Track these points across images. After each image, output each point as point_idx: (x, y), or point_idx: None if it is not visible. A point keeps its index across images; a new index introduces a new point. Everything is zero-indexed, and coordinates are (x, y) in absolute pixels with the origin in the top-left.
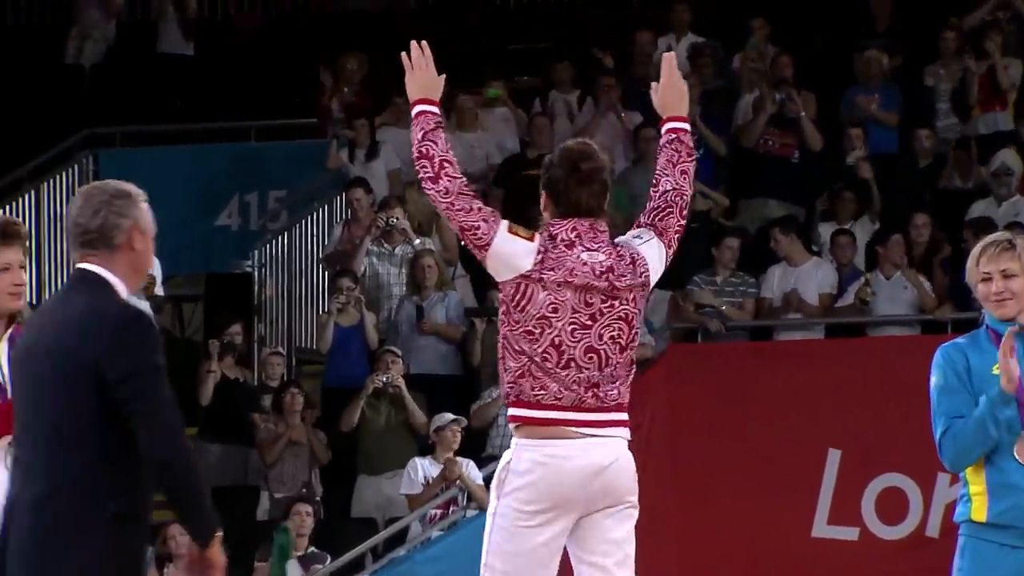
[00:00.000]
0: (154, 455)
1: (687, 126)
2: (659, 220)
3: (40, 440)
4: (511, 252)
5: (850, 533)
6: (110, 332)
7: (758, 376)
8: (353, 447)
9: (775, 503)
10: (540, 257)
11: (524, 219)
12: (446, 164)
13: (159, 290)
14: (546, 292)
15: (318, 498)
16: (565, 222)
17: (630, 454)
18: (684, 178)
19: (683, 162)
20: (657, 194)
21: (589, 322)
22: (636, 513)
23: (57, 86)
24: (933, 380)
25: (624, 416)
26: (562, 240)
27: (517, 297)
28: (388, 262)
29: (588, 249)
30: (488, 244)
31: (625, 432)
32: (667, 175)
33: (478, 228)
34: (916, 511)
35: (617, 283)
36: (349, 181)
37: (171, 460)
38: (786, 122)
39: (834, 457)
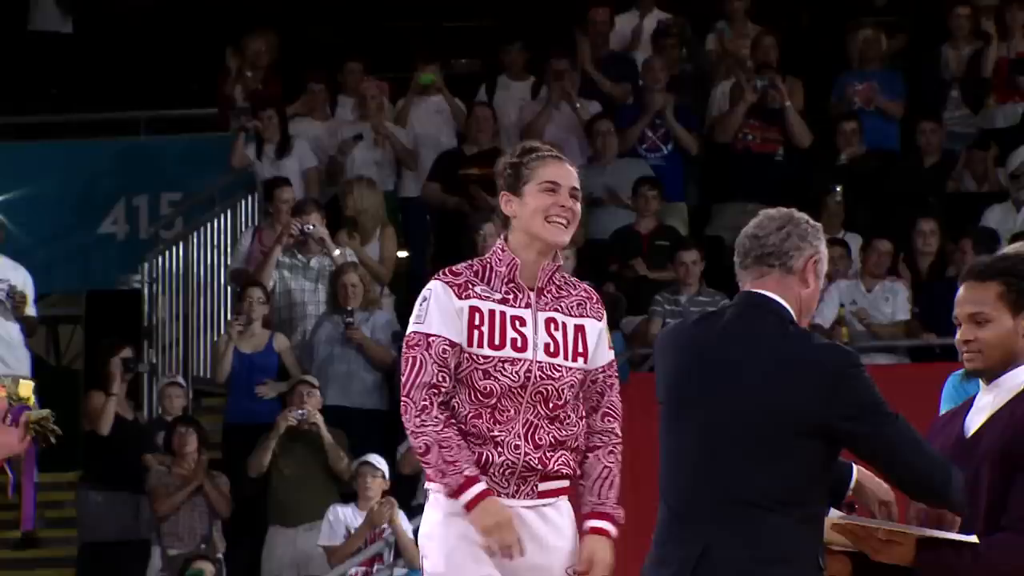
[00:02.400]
0: (927, 502)
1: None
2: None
3: (756, 500)
4: None
5: None
6: (827, 374)
7: None
8: (262, 495)
9: None
10: None
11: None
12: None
13: (31, 310)
14: None
15: (220, 555)
16: None
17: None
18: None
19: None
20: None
21: None
22: None
23: None
24: (941, 414)
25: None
26: None
27: None
28: (302, 276)
29: None
30: None
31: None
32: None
33: None
34: None
35: None
36: (270, 180)
37: (946, 502)
38: (769, 113)
39: None
